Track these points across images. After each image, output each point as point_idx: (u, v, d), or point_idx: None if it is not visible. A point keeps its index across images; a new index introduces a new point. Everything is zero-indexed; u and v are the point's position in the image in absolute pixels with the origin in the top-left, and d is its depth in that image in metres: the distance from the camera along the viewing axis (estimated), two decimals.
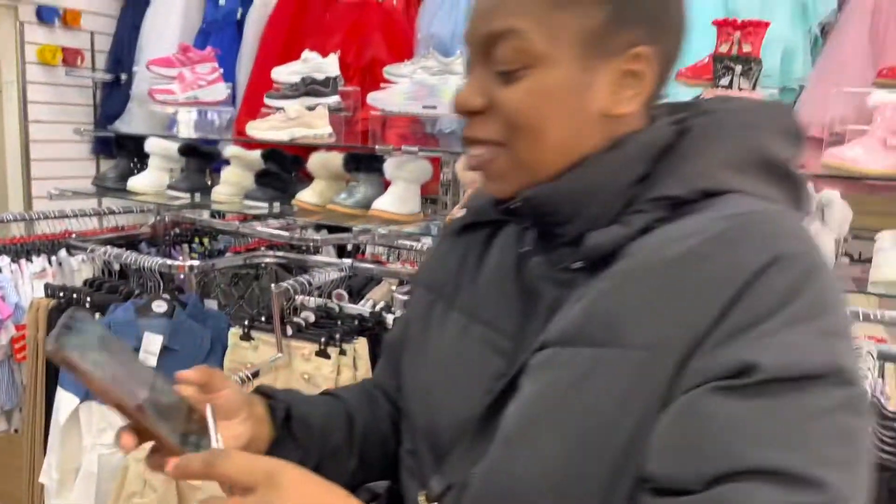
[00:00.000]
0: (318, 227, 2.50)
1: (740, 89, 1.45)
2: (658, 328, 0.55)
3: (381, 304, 1.83)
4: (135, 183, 2.23)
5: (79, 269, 2.25)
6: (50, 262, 2.22)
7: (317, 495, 0.54)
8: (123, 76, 3.50)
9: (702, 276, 0.55)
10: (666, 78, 0.66)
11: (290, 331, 1.75)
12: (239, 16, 3.32)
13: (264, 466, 0.53)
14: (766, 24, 1.51)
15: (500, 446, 0.61)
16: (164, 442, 0.58)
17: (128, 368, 0.59)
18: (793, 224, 0.58)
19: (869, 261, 1.34)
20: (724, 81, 1.47)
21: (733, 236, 0.55)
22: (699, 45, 2.35)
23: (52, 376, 1.94)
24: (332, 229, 2.29)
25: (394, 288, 1.90)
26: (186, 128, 2.41)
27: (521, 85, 0.61)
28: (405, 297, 1.80)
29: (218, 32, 3.38)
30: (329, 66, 2.08)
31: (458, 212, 0.76)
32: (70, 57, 3.44)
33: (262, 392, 0.75)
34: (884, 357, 1.30)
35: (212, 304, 2.20)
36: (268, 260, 2.07)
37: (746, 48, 1.50)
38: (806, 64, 2.32)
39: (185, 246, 2.48)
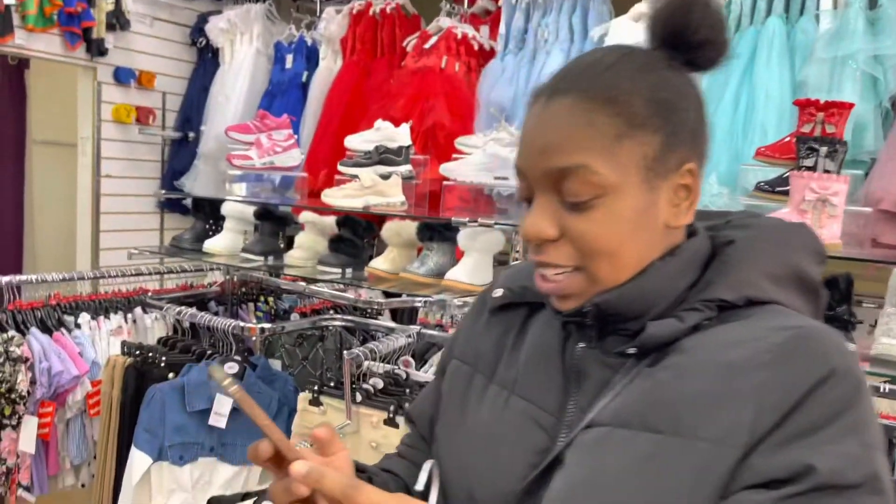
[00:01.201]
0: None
1: (826, 171, 1.45)
2: (723, 425, 0.59)
3: None
4: (211, 245, 2.29)
5: (152, 327, 2.30)
6: (126, 320, 2.28)
7: None
8: (191, 134, 3.64)
9: (765, 382, 0.59)
10: None
11: (358, 397, 1.76)
12: (304, 78, 3.44)
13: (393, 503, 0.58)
14: (851, 106, 1.51)
15: None
16: None
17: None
18: (839, 341, 0.62)
19: None
20: (809, 162, 1.46)
21: (792, 348, 0.60)
22: (765, 119, 2.37)
23: (125, 434, 1.97)
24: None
25: None
26: (240, 189, 2.48)
27: (594, 214, 0.65)
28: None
29: (283, 94, 3.49)
30: (401, 135, 2.13)
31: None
32: (143, 115, 3.59)
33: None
34: None
35: (276, 363, 2.23)
36: (336, 323, 2.09)
37: (830, 129, 1.50)
38: (878, 138, 2.30)
39: (251, 305, 2.53)
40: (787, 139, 1.57)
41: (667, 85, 0.67)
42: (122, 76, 3.49)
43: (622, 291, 0.67)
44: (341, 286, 2.40)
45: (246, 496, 1.61)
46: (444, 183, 1.92)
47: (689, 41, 0.67)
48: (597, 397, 0.67)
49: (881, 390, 1.46)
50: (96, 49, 3.30)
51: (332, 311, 2.26)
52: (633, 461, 0.61)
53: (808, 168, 1.46)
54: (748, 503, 0.57)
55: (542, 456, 0.67)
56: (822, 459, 0.56)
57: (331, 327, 2.21)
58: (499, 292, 0.82)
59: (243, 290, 2.54)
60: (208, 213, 2.37)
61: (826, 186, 1.36)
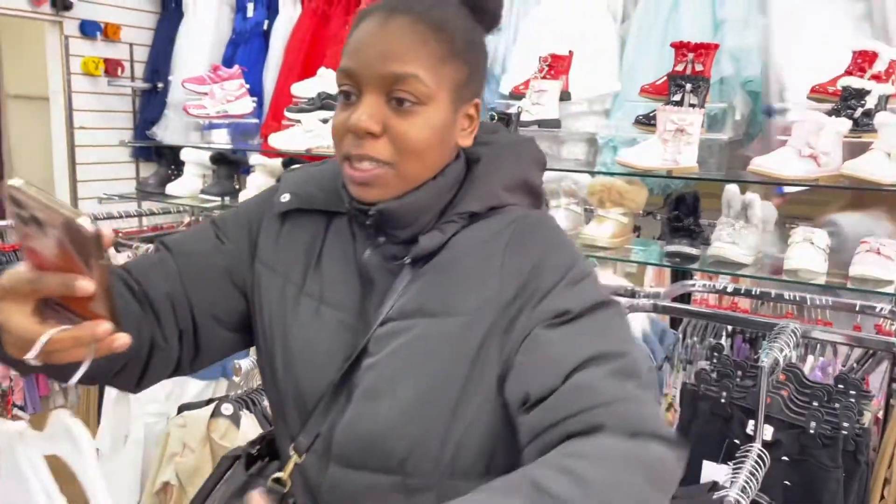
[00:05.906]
0: None
1: (691, 105, 1.66)
2: (477, 300, 0.79)
3: None
4: (172, 189, 2.51)
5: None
6: None
7: None
8: (160, 85, 3.77)
9: (504, 263, 0.80)
10: None
11: None
12: (266, 27, 3.56)
13: None
14: (716, 46, 1.72)
15: (361, 400, 0.80)
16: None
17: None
18: (552, 222, 0.86)
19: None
20: (676, 97, 1.68)
21: (519, 235, 0.82)
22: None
23: None
24: None
25: None
26: (219, 137, 2.68)
27: (414, 118, 0.78)
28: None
29: (246, 43, 3.62)
30: None
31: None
32: (111, 68, 3.72)
33: None
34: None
35: None
36: None
37: (699, 67, 1.71)
38: None
39: None
40: (665, 78, 1.78)
41: (475, 31, 0.84)
42: (88, 29, 3.61)
43: (402, 202, 0.81)
44: None
45: (209, 402, 1.88)
46: None
47: (482, 6, 0.84)
48: (385, 298, 0.83)
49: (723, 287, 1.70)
50: (61, 3, 3.41)
51: None
52: (414, 341, 0.80)
53: (676, 103, 1.68)
54: (531, 337, 0.76)
55: (351, 350, 0.83)
56: (571, 301, 0.76)
57: None
58: (286, 197, 0.89)
59: None
60: (169, 160, 2.58)
61: (683, 118, 1.58)
